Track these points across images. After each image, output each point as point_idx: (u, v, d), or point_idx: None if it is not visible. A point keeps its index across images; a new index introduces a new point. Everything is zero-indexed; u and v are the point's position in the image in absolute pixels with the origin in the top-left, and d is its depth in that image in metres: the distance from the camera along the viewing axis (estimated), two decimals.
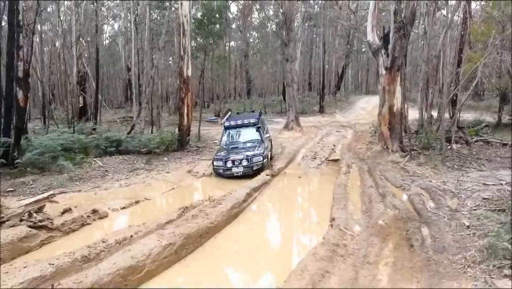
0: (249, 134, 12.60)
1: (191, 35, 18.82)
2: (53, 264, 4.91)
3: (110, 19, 35.62)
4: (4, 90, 12.70)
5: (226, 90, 42.46)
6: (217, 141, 16.19)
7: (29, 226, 6.51)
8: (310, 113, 30.35)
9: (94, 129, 17.44)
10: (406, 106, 14.05)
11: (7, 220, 6.70)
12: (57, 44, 29.67)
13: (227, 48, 41.28)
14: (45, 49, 30.82)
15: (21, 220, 6.81)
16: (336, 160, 13.38)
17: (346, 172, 11.12)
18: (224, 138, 12.95)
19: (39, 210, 7.30)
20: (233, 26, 41.08)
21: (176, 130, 16.79)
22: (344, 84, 49.31)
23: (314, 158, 14.19)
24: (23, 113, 12.61)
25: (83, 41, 24.79)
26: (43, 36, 30.97)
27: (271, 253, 6.38)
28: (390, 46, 13.08)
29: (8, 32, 12.60)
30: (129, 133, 17.36)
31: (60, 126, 19.49)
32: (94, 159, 13.32)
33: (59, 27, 27.81)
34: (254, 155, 11.23)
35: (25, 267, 4.93)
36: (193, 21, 19.78)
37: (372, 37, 14.14)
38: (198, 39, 22.43)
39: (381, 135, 13.69)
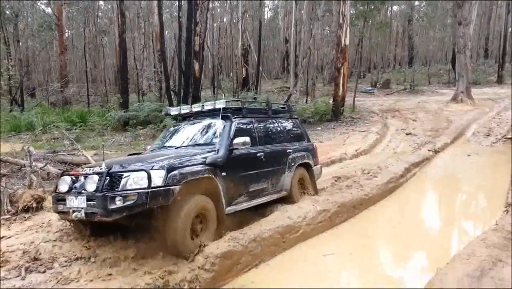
0: (200, 133, 5.65)
1: (351, 1, 18.13)
2: None
3: None
4: (183, 63, 14.77)
5: (385, 59, 40.04)
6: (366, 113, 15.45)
7: None
8: (484, 84, 26.41)
9: (255, 98, 18.86)
10: None
11: None
12: (224, 19, 32.57)
13: (388, 13, 38.54)
14: (214, 24, 34.13)
15: None
16: None
17: None
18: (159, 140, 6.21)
19: None
20: None
21: (330, 100, 16.78)
22: None
23: (488, 135, 12.36)
24: (198, 83, 14.50)
25: (248, 16, 26.57)
26: (213, 12, 34.43)
27: (428, 233, 5.91)
28: None
29: (188, 10, 14.45)
30: (285, 102, 18.18)
31: (226, 95, 21.75)
32: None
33: (227, 3, 30.39)
34: (126, 172, 4.06)
35: None
36: None
37: None
38: (358, 6, 21.45)
39: None
